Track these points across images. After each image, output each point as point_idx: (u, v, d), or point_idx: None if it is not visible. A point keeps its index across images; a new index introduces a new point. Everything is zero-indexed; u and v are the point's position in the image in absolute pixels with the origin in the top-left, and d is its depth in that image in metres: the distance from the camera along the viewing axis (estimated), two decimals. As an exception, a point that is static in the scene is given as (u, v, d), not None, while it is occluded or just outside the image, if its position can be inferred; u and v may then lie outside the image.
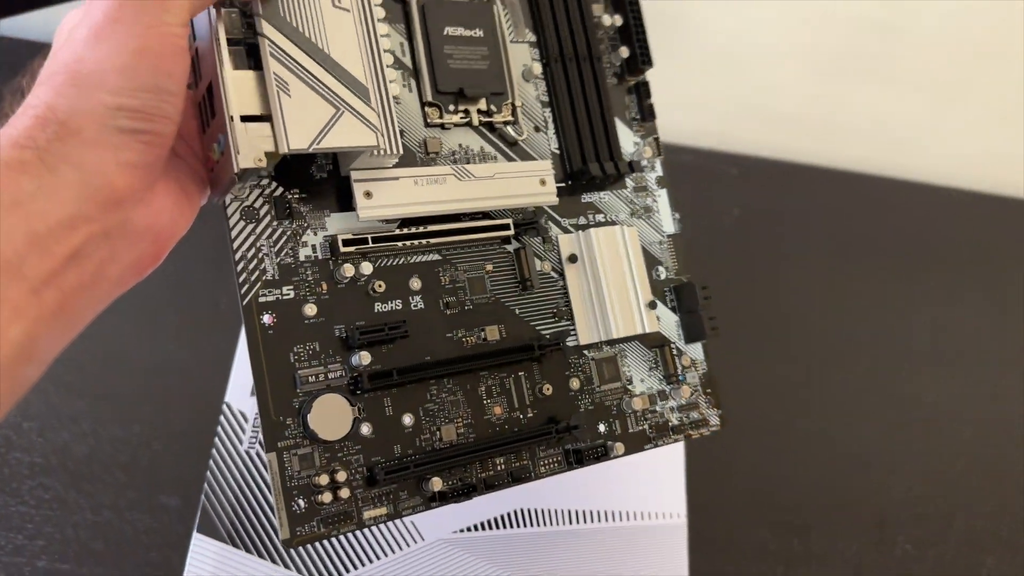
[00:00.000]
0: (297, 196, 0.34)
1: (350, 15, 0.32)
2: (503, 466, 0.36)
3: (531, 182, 0.38)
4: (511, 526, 0.49)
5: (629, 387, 0.40)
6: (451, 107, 0.38)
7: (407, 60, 0.37)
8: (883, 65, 0.75)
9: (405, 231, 0.35)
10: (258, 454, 0.47)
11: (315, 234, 0.34)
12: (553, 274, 0.39)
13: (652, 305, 0.41)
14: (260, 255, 0.32)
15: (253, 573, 0.44)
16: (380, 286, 0.34)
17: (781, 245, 0.70)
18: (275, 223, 0.33)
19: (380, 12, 0.32)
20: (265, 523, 0.45)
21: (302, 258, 0.33)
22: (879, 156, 0.78)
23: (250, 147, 0.29)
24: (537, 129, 0.40)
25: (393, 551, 0.46)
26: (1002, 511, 0.59)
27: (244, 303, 0.32)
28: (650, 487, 0.52)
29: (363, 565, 0.46)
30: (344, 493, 0.32)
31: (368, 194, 0.33)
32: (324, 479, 0.31)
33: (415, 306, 0.35)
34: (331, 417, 0.32)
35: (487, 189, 0.37)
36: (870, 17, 0.72)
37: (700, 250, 0.63)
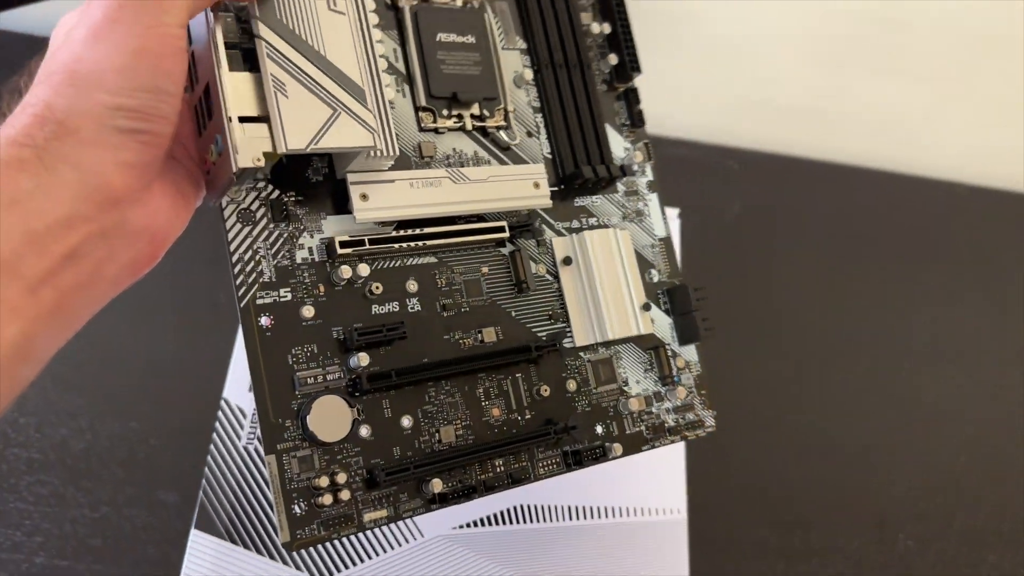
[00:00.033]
0: (293, 199, 0.34)
1: (345, 18, 0.32)
2: (502, 468, 0.36)
3: (525, 185, 0.38)
4: (511, 522, 0.49)
5: (625, 388, 0.41)
6: (444, 112, 0.38)
7: (400, 65, 0.38)
8: (885, 59, 0.74)
9: (401, 233, 0.35)
10: (256, 450, 0.47)
11: (311, 236, 0.34)
12: (548, 276, 0.40)
13: (646, 307, 0.41)
14: (257, 257, 0.32)
15: (251, 569, 0.44)
16: (377, 288, 0.34)
17: (782, 240, 0.69)
18: (271, 225, 0.33)
19: (373, 18, 0.33)
20: (263, 519, 0.45)
21: (299, 260, 0.33)
22: (881, 151, 0.77)
23: (248, 147, 0.29)
24: (529, 134, 0.41)
25: (392, 547, 0.46)
26: (1003, 508, 0.59)
27: (242, 305, 0.32)
28: (650, 483, 0.52)
29: (362, 561, 0.45)
30: (344, 495, 0.32)
31: (364, 196, 0.34)
32: (324, 481, 0.31)
33: (412, 308, 0.35)
34: (330, 419, 0.32)
35: (481, 192, 0.37)
36: (872, 10, 0.71)
37: (700, 245, 0.63)
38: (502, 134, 0.39)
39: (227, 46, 0.30)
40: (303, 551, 0.45)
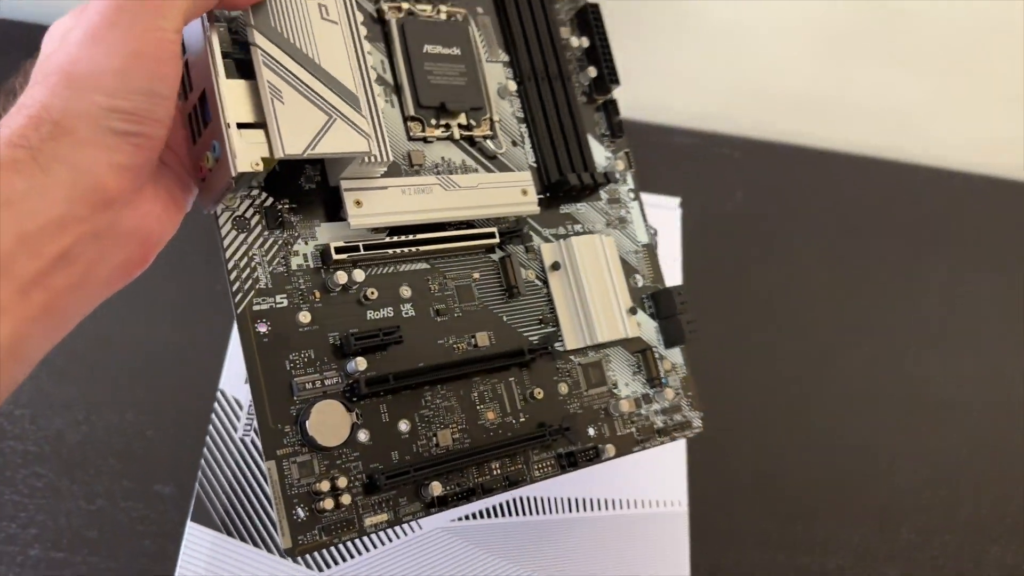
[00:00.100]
0: (287, 206, 0.34)
1: (338, 27, 0.32)
2: (499, 470, 0.36)
3: (513, 192, 0.39)
4: (511, 514, 0.49)
5: (615, 391, 0.41)
6: (433, 121, 0.39)
7: (388, 76, 0.38)
8: (888, 47, 0.73)
9: (394, 239, 0.35)
10: (253, 442, 0.46)
11: (306, 243, 0.34)
12: (537, 282, 0.40)
13: (633, 311, 0.42)
14: (253, 264, 0.32)
15: (248, 562, 0.43)
16: (372, 293, 0.34)
17: (783, 229, 0.69)
18: (266, 232, 0.33)
19: (362, 30, 0.33)
20: (260, 512, 0.44)
21: (294, 267, 0.33)
22: (883, 139, 0.76)
23: (246, 152, 0.29)
24: (514, 143, 0.41)
25: (391, 539, 0.46)
26: (1007, 499, 0.59)
27: (238, 312, 0.32)
28: (651, 475, 0.52)
29: (360, 554, 0.45)
30: (345, 499, 0.31)
31: (358, 203, 0.34)
32: (325, 485, 0.31)
33: (406, 314, 0.36)
34: (329, 423, 0.32)
35: (471, 199, 0.37)
36: (874, -1, 0.71)
37: (701, 234, 0.63)
38: (489, 143, 0.40)
39: (222, 55, 0.30)
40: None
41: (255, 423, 0.44)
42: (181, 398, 0.48)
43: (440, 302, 0.37)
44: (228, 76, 0.30)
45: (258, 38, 0.30)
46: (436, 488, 0.33)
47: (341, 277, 0.34)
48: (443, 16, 0.41)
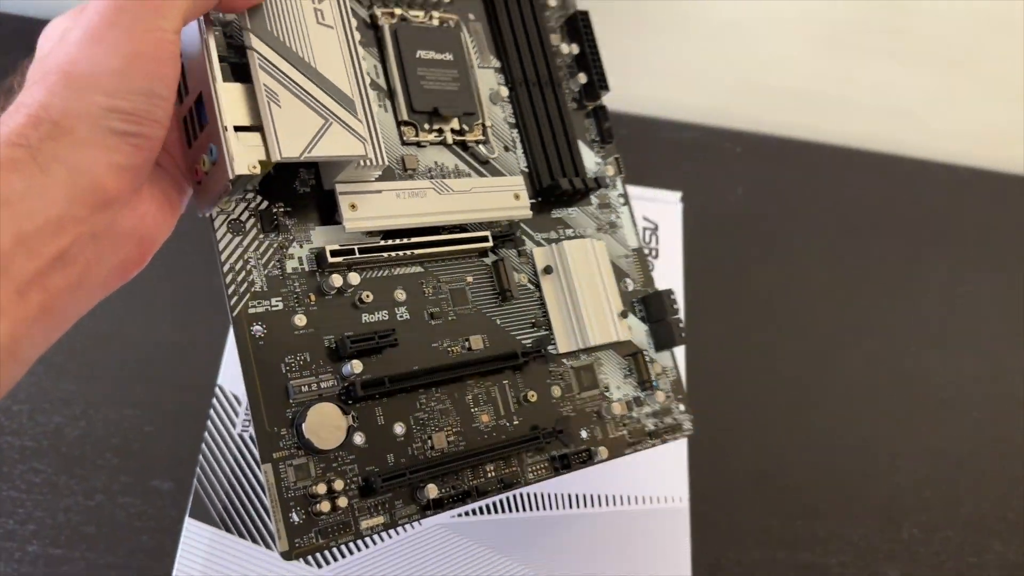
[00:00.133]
0: (282, 210, 0.34)
1: (333, 32, 0.33)
2: (493, 473, 0.36)
3: (506, 196, 0.39)
4: (511, 511, 0.48)
5: (607, 394, 0.41)
6: (426, 126, 0.39)
7: (381, 81, 0.39)
8: (889, 41, 0.72)
9: (389, 242, 0.36)
10: (251, 437, 0.46)
11: (300, 247, 0.34)
12: (529, 285, 0.40)
13: (623, 314, 0.42)
14: (248, 267, 0.32)
15: (246, 558, 0.43)
16: (368, 296, 0.35)
17: (784, 223, 0.68)
18: (261, 235, 0.33)
19: (357, 35, 0.34)
20: (258, 508, 0.44)
21: (289, 270, 0.33)
22: (885, 133, 0.76)
23: (244, 154, 0.29)
24: (507, 148, 0.42)
25: (391, 536, 0.46)
26: (1009, 494, 0.59)
27: (234, 315, 0.32)
28: (652, 472, 0.52)
29: (359, 551, 0.45)
30: (342, 502, 0.31)
31: (353, 206, 0.34)
32: (322, 488, 0.31)
33: (401, 317, 0.36)
34: (325, 426, 0.32)
35: (465, 203, 0.38)
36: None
37: (702, 229, 0.63)
38: (481, 148, 0.40)
39: (218, 59, 0.30)
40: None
41: (251, 427, 0.43)
42: (179, 394, 0.48)
43: (434, 305, 0.37)
44: (224, 80, 0.30)
45: (254, 42, 0.30)
46: (432, 491, 0.33)
47: (336, 280, 0.34)
48: (435, 22, 0.41)
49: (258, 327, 0.32)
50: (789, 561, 0.53)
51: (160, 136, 0.28)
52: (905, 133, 0.77)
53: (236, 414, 0.47)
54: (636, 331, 0.44)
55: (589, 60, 0.46)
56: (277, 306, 0.33)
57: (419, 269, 0.37)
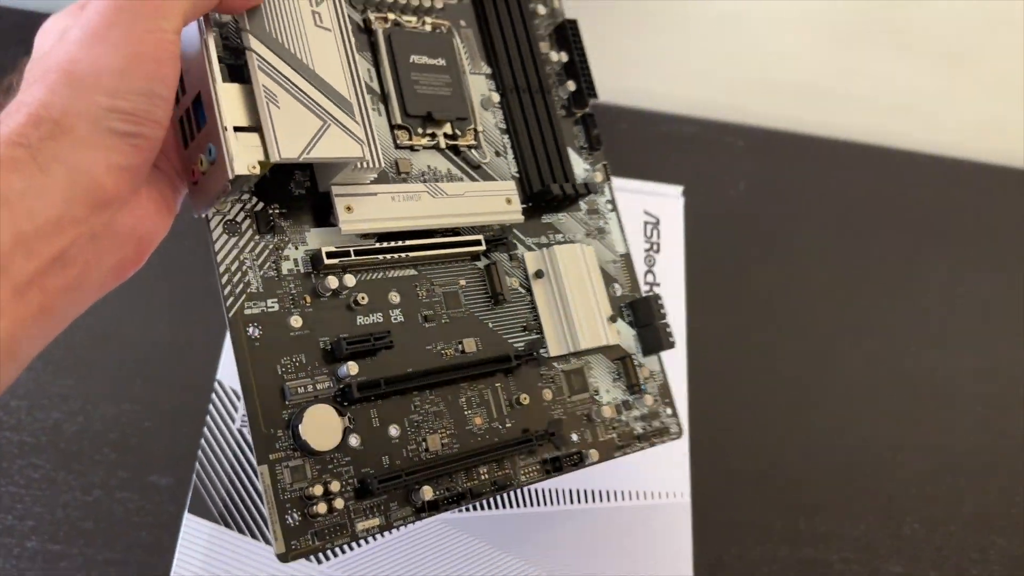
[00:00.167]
0: (278, 211, 0.34)
1: (331, 34, 0.33)
2: (487, 475, 0.36)
3: (498, 201, 0.39)
4: (511, 506, 0.48)
5: (597, 398, 0.42)
6: (419, 130, 0.39)
7: (375, 85, 0.39)
8: (892, 35, 0.72)
9: (384, 245, 0.36)
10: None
11: (296, 248, 0.34)
12: (521, 289, 0.41)
13: (613, 319, 0.43)
14: (244, 268, 0.32)
15: (245, 553, 0.42)
16: (363, 298, 0.35)
17: (786, 218, 0.68)
18: (257, 237, 0.33)
19: (353, 39, 0.34)
20: (258, 503, 0.44)
21: (284, 271, 0.33)
22: (889, 127, 0.75)
23: (243, 155, 0.29)
24: (498, 154, 0.42)
25: (389, 531, 0.45)
26: (1011, 490, 0.59)
27: (230, 316, 0.32)
28: (653, 467, 0.52)
29: (358, 546, 0.44)
30: (338, 504, 0.31)
31: (349, 208, 0.34)
32: (319, 490, 0.31)
33: (395, 319, 0.36)
34: (321, 428, 0.32)
35: (458, 206, 0.38)
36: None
37: (704, 223, 0.62)
38: (473, 153, 0.41)
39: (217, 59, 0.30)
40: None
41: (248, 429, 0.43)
42: (178, 389, 0.48)
43: (428, 308, 0.37)
44: (224, 79, 0.30)
45: (253, 43, 0.30)
46: (427, 493, 0.33)
47: (332, 282, 0.34)
48: (428, 28, 0.41)
49: (254, 328, 0.32)
50: (791, 558, 0.53)
51: (160, 136, 0.28)
52: (908, 127, 0.77)
53: (235, 409, 0.46)
54: (624, 336, 0.44)
55: (578, 68, 0.46)
56: (273, 307, 0.33)
57: (413, 272, 0.37)
